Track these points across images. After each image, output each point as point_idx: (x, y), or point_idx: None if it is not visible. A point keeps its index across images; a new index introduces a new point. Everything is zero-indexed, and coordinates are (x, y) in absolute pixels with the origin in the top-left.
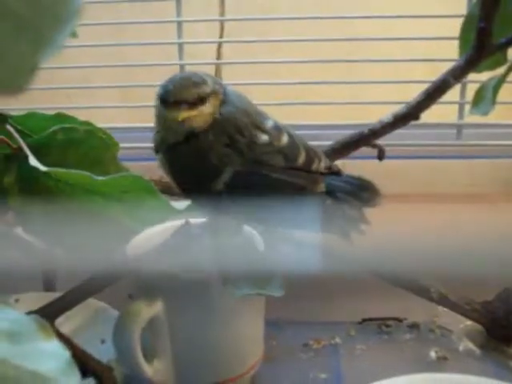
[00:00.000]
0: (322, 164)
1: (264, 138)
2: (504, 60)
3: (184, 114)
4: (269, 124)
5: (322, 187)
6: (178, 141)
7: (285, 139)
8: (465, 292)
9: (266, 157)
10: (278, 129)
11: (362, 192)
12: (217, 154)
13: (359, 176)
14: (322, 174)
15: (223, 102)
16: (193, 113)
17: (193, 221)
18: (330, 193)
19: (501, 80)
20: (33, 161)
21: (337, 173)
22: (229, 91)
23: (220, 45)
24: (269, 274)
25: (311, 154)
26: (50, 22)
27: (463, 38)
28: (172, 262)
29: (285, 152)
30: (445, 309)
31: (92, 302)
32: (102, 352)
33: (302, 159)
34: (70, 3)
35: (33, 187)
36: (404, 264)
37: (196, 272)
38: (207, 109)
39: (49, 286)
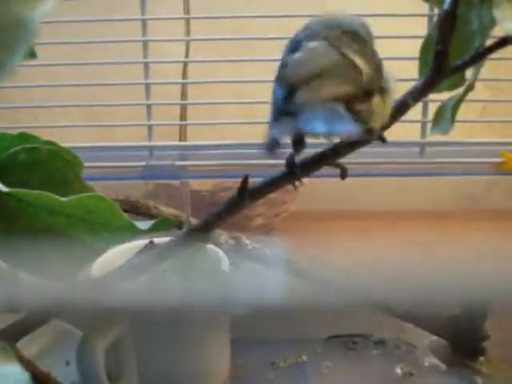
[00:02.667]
0: None
1: None
2: (462, 81)
3: None
4: None
5: None
6: None
7: None
8: (430, 308)
9: None
10: None
11: None
12: None
13: None
14: None
15: None
16: None
17: (157, 240)
18: None
19: (459, 100)
20: None
21: None
22: None
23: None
24: (234, 292)
25: None
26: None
27: (422, 59)
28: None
29: None
30: (410, 325)
31: (56, 324)
32: (67, 374)
33: None
34: (21, 27)
35: None
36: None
37: (161, 294)
38: None
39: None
